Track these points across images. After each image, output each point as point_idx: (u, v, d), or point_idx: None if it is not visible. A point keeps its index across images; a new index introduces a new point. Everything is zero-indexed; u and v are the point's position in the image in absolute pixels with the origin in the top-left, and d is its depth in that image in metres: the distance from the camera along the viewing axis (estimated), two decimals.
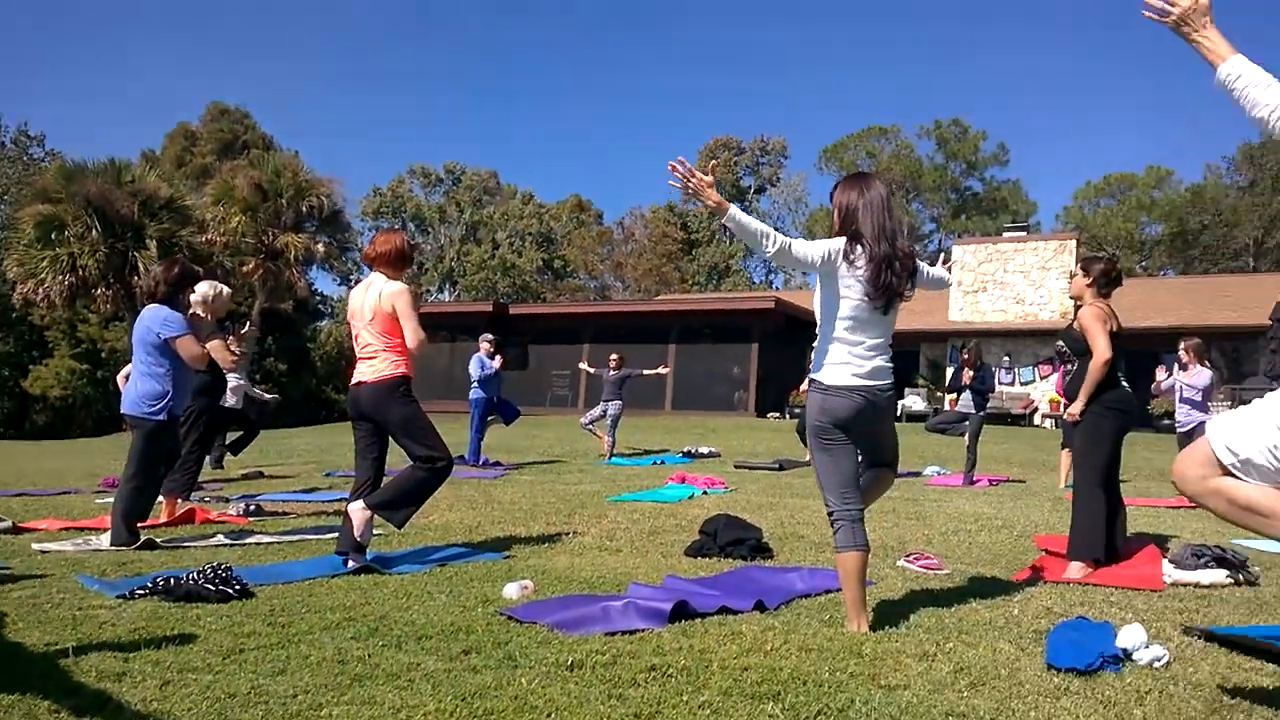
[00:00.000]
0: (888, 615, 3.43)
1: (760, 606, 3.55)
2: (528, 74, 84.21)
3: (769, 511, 6.64)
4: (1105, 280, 4.81)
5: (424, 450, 4.45)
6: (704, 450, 12.47)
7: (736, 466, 10.72)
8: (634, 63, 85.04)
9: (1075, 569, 4.44)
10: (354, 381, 4.53)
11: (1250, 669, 2.87)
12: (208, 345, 5.33)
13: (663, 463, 11.27)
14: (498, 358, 11.12)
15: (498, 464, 10.74)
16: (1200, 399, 8.30)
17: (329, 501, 7.12)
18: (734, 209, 3.13)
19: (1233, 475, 2.16)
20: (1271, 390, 2.26)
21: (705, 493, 7.96)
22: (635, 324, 23.05)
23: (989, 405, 10.05)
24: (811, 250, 3.27)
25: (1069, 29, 73.21)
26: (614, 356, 12.18)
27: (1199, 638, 3.21)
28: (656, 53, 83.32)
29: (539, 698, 2.46)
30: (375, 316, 4.43)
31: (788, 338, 21.44)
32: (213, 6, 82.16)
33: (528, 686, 2.55)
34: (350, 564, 4.26)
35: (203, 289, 6.22)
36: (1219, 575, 4.21)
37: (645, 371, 12.43)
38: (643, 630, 3.17)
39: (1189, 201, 43.58)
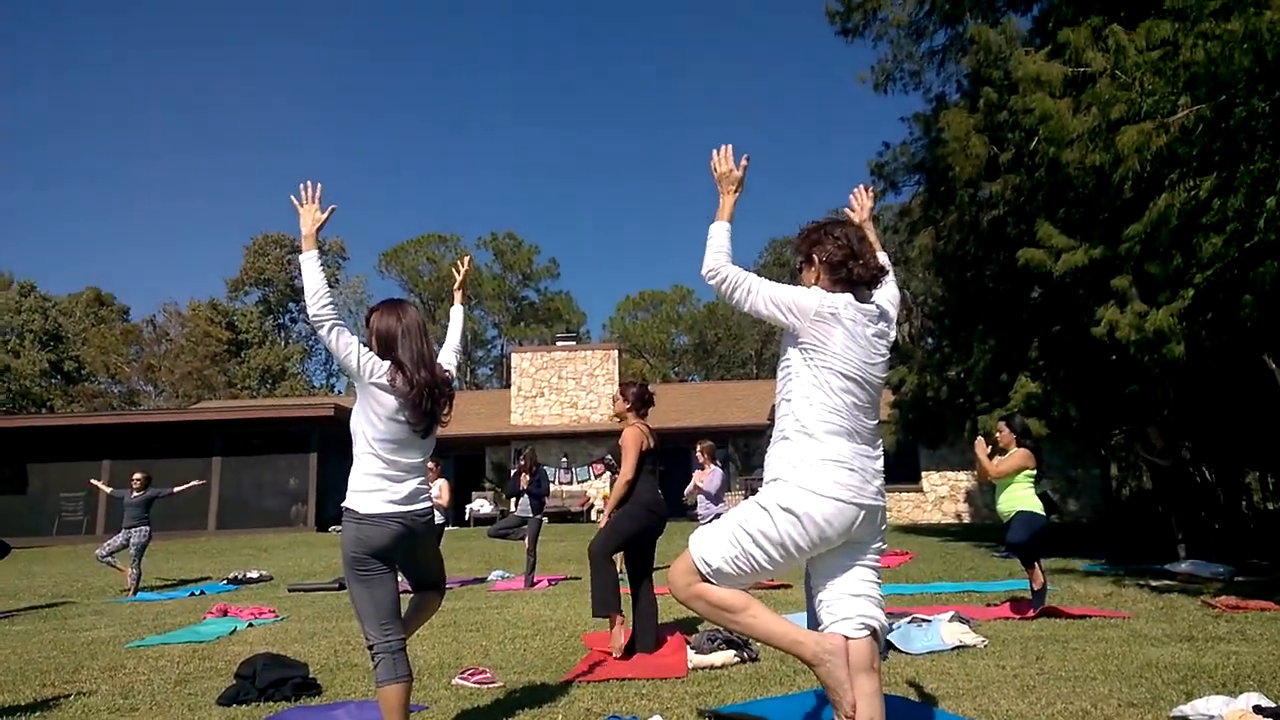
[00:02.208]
0: None
1: None
2: (31, 146, 72.90)
3: (322, 639, 6.21)
4: (640, 403, 5.55)
5: None
6: (254, 574, 11.32)
7: (290, 590, 9.90)
8: (162, 141, 78.00)
9: (616, 634, 5.10)
10: None
11: None
12: None
13: (202, 593, 10.01)
14: None
15: None
16: (714, 494, 9.58)
17: None
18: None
19: (710, 582, 2.52)
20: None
21: (251, 625, 7.22)
22: (171, 435, 20.44)
23: (548, 505, 10.57)
24: (359, 356, 3.23)
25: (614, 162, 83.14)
26: (137, 476, 10.69)
27: (710, 718, 3.63)
28: (190, 132, 77.40)
29: None
30: None
31: (349, 445, 20.59)
32: None
33: None
34: None
35: None
36: (729, 655, 4.82)
37: (176, 489, 11.04)
38: None
39: (705, 317, 51.15)
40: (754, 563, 2.48)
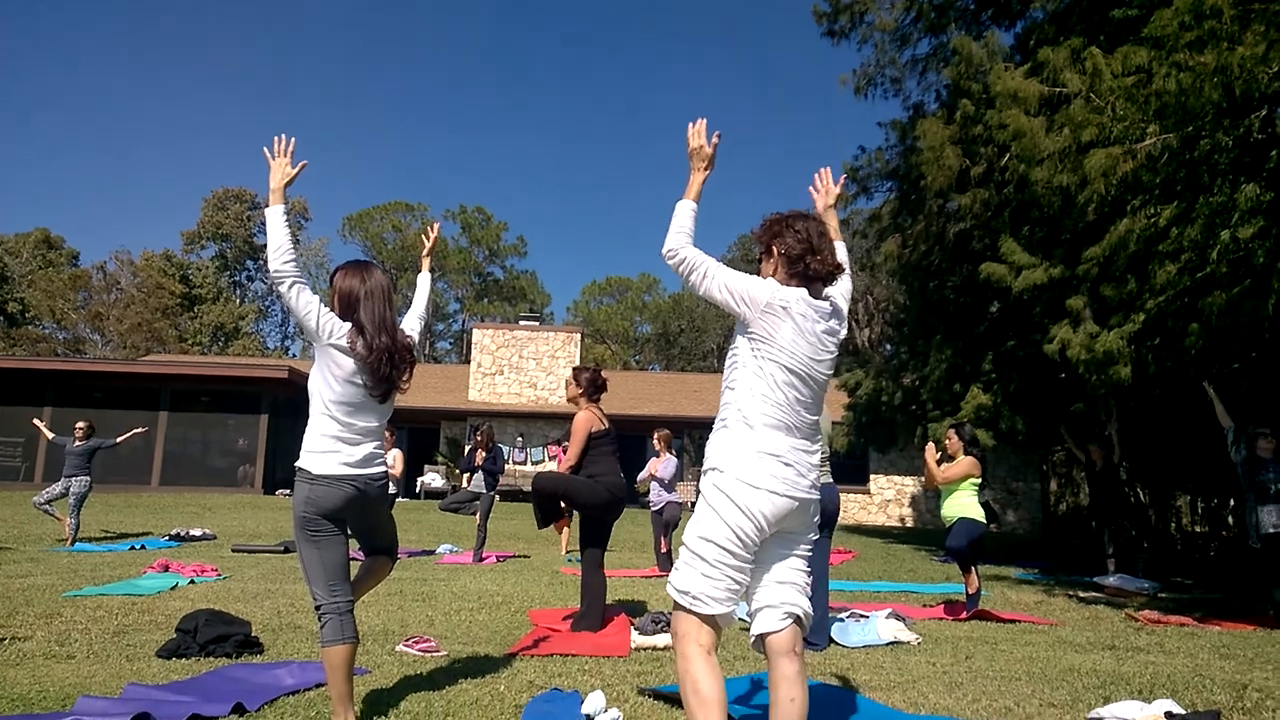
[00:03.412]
0: (378, 703, 3.40)
1: (240, 709, 3.29)
2: None
3: (265, 600, 6.19)
4: (593, 388, 5.61)
5: None
6: (196, 533, 11.18)
7: (234, 550, 9.80)
8: (120, 85, 75.93)
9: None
10: None
11: None
12: None
13: (142, 547, 9.87)
14: None
15: None
16: (668, 482, 9.68)
17: None
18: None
19: (696, 614, 2.48)
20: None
21: (192, 581, 7.16)
22: (117, 386, 19.97)
23: (501, 484, 10.59)
24: (319, 316, 3.22)
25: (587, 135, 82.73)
26: (80, 425, 10.48)
27: (650, 696, 3.71)
28: (151, 79, 75.36)
29: None
30: None
31: (302, 409, 20.29)
32: None
33: None
34: None
35: None
36: (670, 637, 4.90)
37: (119, 439, 10.78)
38: None
39: (670, 308, 51.28)
40: (724, 568, 2.49)
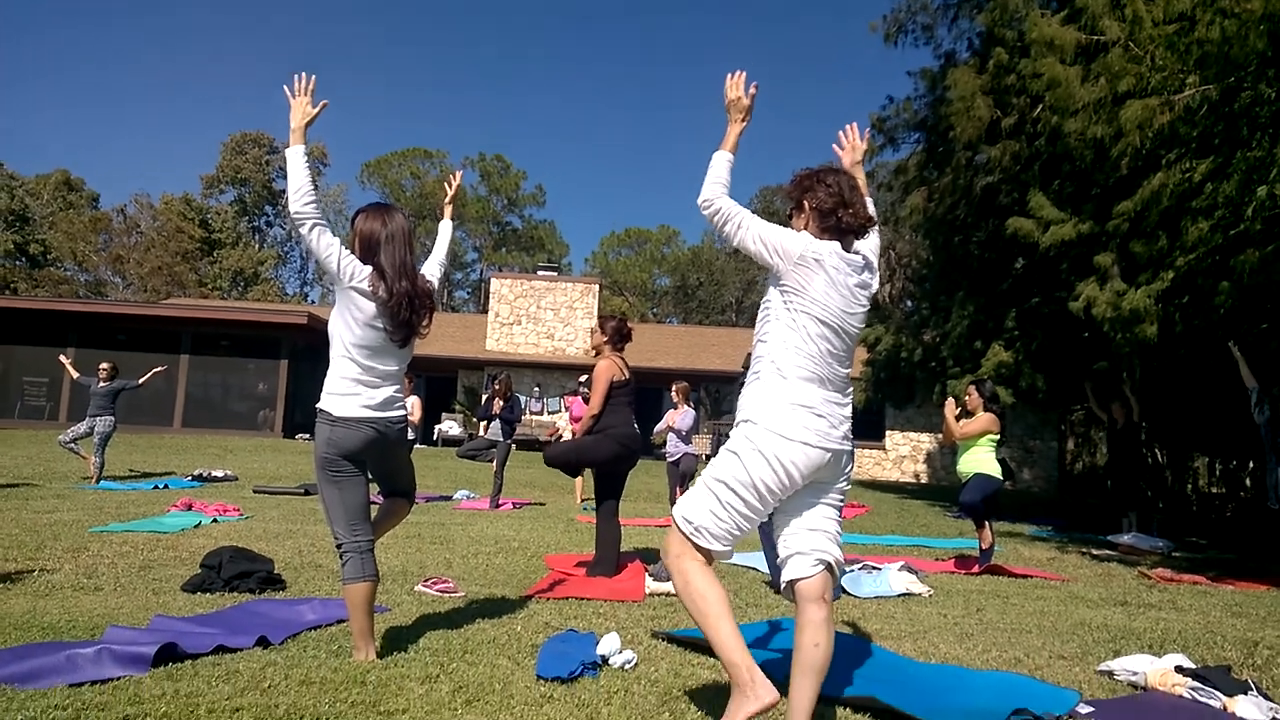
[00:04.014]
0: (398, 640, 3.46)
1: (264, 642, 3.36)
2: (8, 16, 70.27)
3: (287, 540, 6.30)
4: (618, 337, 5.61)
5: None
6: (218, 473, 11.37)
7: (255, 491, 9.96)
8: (144, 45, 75.48)
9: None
10: None
11: (698, 664, 3.43)
12: None
13: (166, 487, 10.05)
14: None
15: None
16: (685, 434, 9.71)
17: None
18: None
19: (696, 543, 2.55)
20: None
21: (215, 520, 7.29)
22: (139, 328, 20.16)
23: (518, 433, 10.65)
24: (340, 259, 3.22)
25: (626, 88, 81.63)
26: (104, 365, 10.59)
27: (663, 639, 3.76)
28: (173, 21, 74.79)
29: None
30: None
31: (321, 355, 20.40)
32: None
33: None
34: None
35: None
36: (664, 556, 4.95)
37: (141, 379, 10.84)
38: (119, 679, 2.82)
39: (689, 260, 51.00)
40: (734, 512, 2.53)
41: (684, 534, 2.56)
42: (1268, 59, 7.03)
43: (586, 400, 7.92)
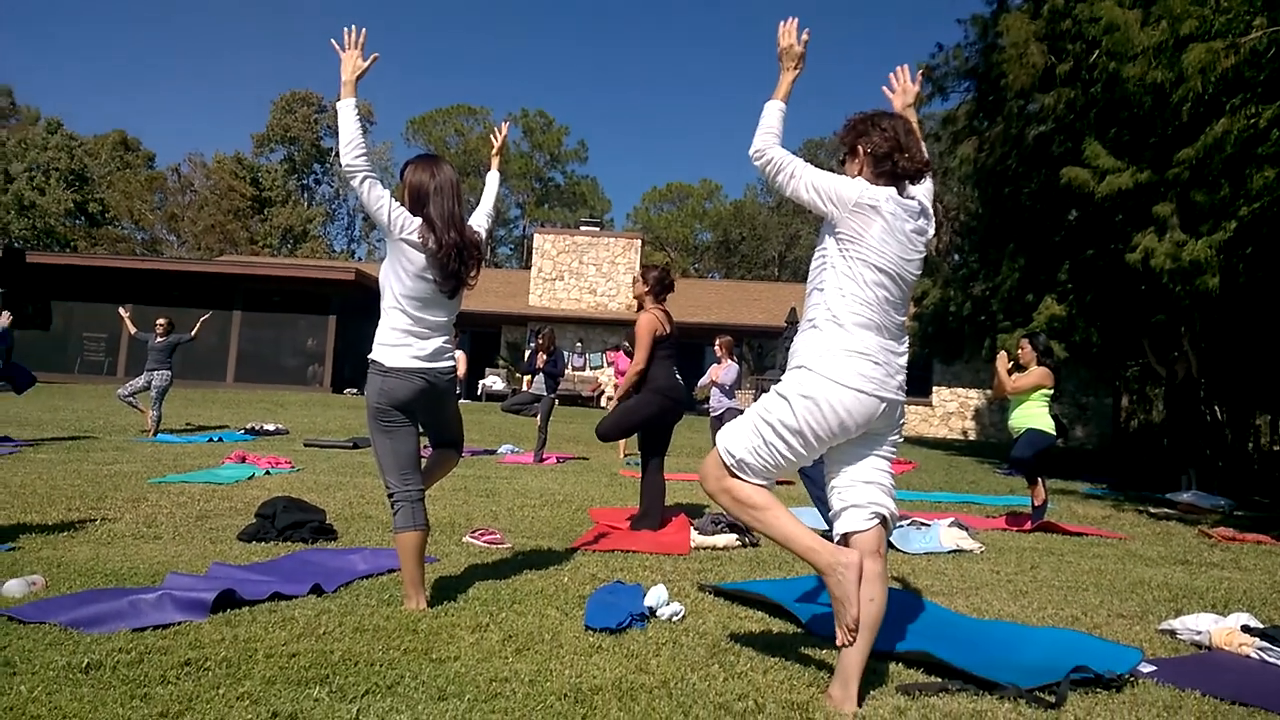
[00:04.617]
0: (447, 590, 3.50)
1: (318, 590, 3.41)
2: None
3: (337, 492, 6.41)
4: (660, 288, 5.54)
5: None
6: (270, 427, 11.61)
7: (306, 445, 10.15)
8: (198, 5, 75.84)
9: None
10: None
11: (745, 617, 3.42)
12: None
13: (220, 440, 10.29)
14: (4, 313, 9.29)
15: (5, 439, 8.97)
16: (728, 388, 9.66)
17: None
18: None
19: (736, 475, 2.55)
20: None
21: (268, 473, 7.44)
22: (193, 285, 20.58)
23: (561, 387, 10.68)
24: (390, 210, 3.22)
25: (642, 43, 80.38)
26: (161, 321, 10.80)
27: (710, 592, 3.75)
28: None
29: (42, 706, 2.13)
30: None
31: (369, 311, 20.66)
32: None
33: (28, 695, 2.19)
34: None
35: None
36: (731, 538, 4.95)
37: (194, 332, 11.04)
38: (179, 623, 2.89)
39: (731, 215, 50.45)
40: (775, 453, 2.50)
41: (727, 466, 2.56)
42: None
43: (629, 354, 7.91)
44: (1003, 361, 6.60)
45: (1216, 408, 13.08)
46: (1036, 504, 6.44)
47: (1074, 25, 10.93)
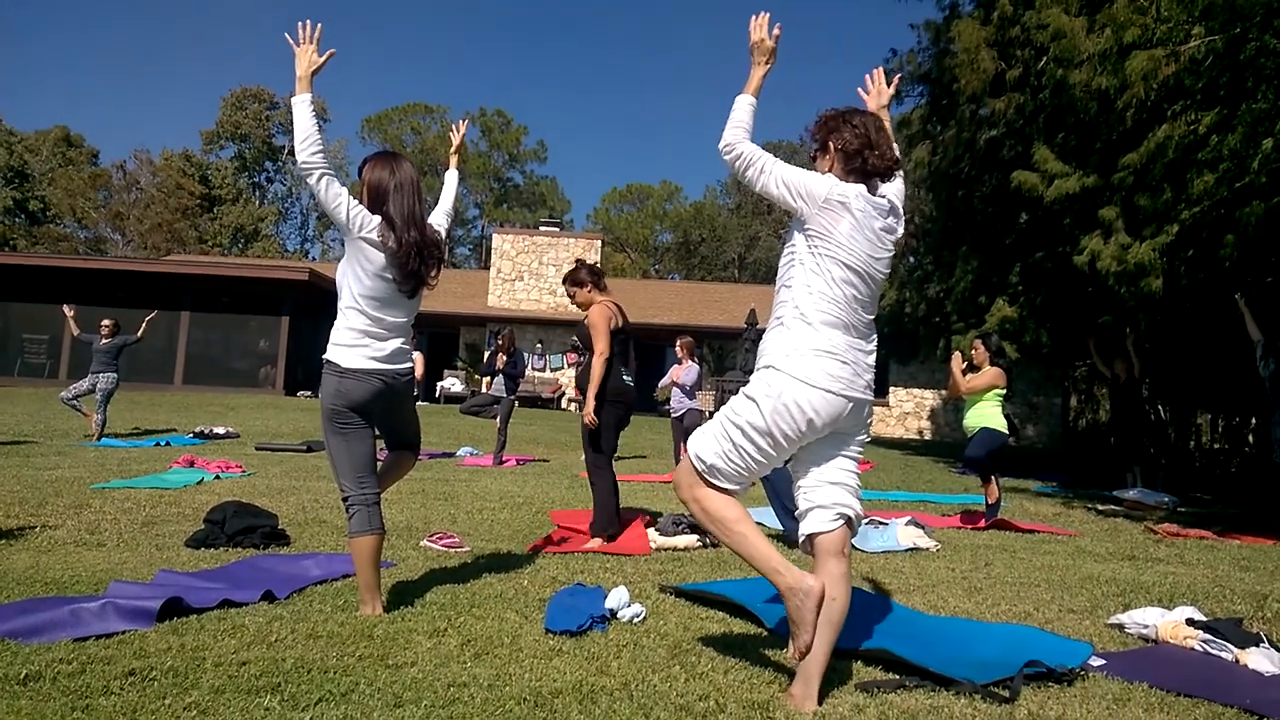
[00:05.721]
0: (405, 595, 3.45)
1: (270, 597, 3.34)
2: None
3: (290, 496, 6.29)
4: (598, 277, 5.20)
5: None
6: (220, 430, 11.36)
7: (258, 449, 9.95)
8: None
9: (595, 542, 4.88)
10: None
11: (707, 617, 3.41)
12: None
13: (167, 444, 10.04)
14: None
15: None
16: (689, 389, 9.68)
17: None
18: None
19: (708, 481, 2.53)
20: (744, 384, 2.71)
21: (218, 477, 7.29)
22: (139, 285, 20.01)
23: (520, 389, 10.61)
24: (349, 208, 3.13)
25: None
26: (106, 322, 10.52)
27: (671, 594, 3.75)
28: None
29: None
30: None
31: (323, 311, 20.41)
32: None
33: None
34: None
35: None
36: (691, 539, 4.96)
37: (139, 333, 10.66)
38: (123, 633, 2.81)
39: (692, 216, 50.57)
40: (746, 455, 2.49)
41: (696, 470, 2.55)
42: (1273, 9, 6.87)
43: (579, 351, 7.83)
44: (957, 362, 6.71)
45: (1160, 407, 13.45)
46: (990, 502, 6.55)
47: (1023, 32, 11.15)
